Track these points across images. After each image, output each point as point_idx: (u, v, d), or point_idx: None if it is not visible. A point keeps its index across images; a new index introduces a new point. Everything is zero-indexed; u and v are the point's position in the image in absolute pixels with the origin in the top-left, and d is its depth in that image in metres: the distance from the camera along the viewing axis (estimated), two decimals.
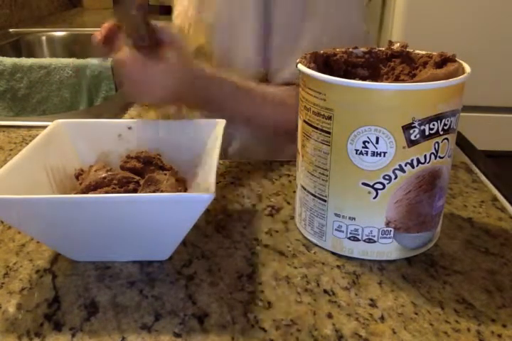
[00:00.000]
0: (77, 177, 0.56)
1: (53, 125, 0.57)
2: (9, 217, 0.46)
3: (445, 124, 0.46)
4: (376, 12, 1.91)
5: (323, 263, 0.50)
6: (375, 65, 0.55)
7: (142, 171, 0.55)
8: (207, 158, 0.54)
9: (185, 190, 0.55)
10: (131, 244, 0.49)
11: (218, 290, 0.46)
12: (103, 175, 0.52)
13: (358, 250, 0.50)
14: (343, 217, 0.49)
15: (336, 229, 0.50)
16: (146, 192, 0.51)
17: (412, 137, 0.45)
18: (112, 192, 0.51)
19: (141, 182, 0.52)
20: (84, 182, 0.52)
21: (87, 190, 0.51)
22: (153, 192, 0.51)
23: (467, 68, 0.48)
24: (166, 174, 0.54)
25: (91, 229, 0.46)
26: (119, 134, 0.59)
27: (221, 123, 0.58)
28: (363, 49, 0.55)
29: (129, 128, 0.59)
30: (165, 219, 0.46)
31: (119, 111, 0.92)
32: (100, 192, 0.51)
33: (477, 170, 0.70)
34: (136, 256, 0.50)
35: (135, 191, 0.52)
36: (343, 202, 0.49)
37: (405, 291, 0.47)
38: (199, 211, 0.46)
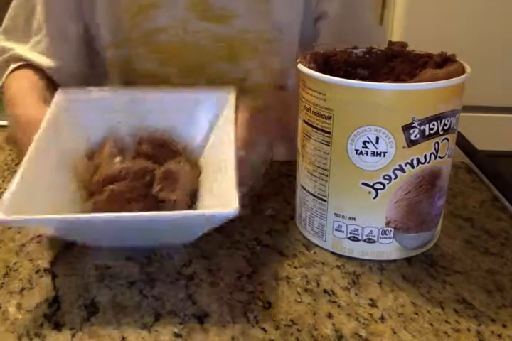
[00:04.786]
0: (88, 157, 0.55)
1: (58, 97, 0.56)
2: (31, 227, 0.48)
3: (445, 124, 0.46)
4: (376, 12, 1.91)
5: (323, 263, 0.50)
6: (375, 65, 0.55)
7: (155, 155, 0.55)
8: (220, 132, 0.54)
9: (199, 175, 0.55)
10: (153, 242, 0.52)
11: (218, 290, 0.46)
12: (118, 168, 0.52)
13: (358, 250, 0.50)
14: (343, 217, 0.49)
15: (336, 229, 0.50)
16: (162, 186, 0.51)
17: (412, 137, 0.45)
18: (130, 186, 0.51)
19: (157, 172, 0.52)
20: (100, 172, 0.52)
21: (103, 183, 0.51)
22: (171, 185, 0.51)
23: (467, 68, 0.48)
24: (179, 162, 0.53)
25: (112, 237, 0.49)
26: (125, 106, 0.57)
27: (232, 91, 0.57)
28: (363, 49, 0.55)
29: (136, 99, 0.58)
30: (185, 231, 0.48)
31: None
32: (118, 186, 0.50)
33: (477, 170, 0.70)
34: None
35: (151, 183, 0.51)
36: (343, 202, 0.49)
37: (405, 291, 0.47)
38: (218, 223, 0.47)
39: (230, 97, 0.56)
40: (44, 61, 0.74)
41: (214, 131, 0.56)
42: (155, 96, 0.59)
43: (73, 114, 0.56)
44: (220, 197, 0.46)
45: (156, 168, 0.53)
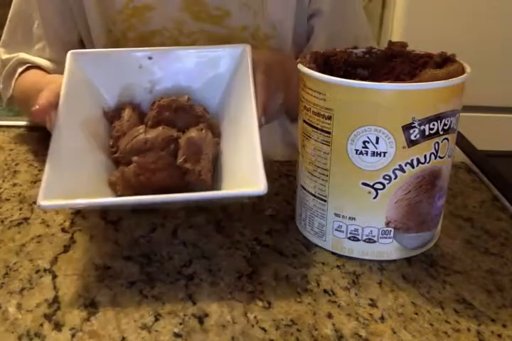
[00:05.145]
0: (107, 120, 0.57)
1: (70, 59, 0.56)
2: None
3: (445, 124, 0.46)
4: (376, 12, 1.91)
5: (323, 263, 0.50)
6: (375, 64, 0.55)
7: (175, 121, 0.55)
8: (239, 91, 0.54)
9: (219, 135, 0.56)
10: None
11: (218, 290, 0.46)
12: (143, 140, 0.53)
13: (358, 250, 0.50)
14: (343, 217, 0.49)
15: (335, 229, 0.50)
16: (187, 157, 0.51)
17: (412, 137, 0.45)
18: (155, 157, 0.52)
19: (180, 140, 0.53)
20: (123, 141, 0.53)
21: (129, 154, 0.53)
22: (195, 154, 0.52)
23: (467, 68, 0.48)
24: (202, 129, 0.54)
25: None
26: (140, 65, 0.58)
27: (248, 48, 0.57)
28: (363, 49, 0.55)
29: (150, 58, 0.57)
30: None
31: None
32: (144, 158, 0.52)
33: (477, 170, 0.70)
34: None
35: (175, 152, 0.52)
36: (343, 202, 0.49)
37: (405, 291, 0.47)
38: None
39: (247, 52, 0.56)
40: (49, 64, 0.75)
41: (233, 89, 0.57)
42: (170, 53, 0.59)
43: (89, 76, 0.56)
44: (247, 173, 0.47)
45: (179, 136, 0.54)
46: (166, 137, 0.53)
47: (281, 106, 0.64)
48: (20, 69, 0.75)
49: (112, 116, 0.57)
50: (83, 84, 0.56)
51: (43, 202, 0.44)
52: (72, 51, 0.57)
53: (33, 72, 0.75)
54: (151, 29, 0.73)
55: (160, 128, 0.54)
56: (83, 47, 0.79)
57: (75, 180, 0.48)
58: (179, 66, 0.58)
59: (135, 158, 0.52)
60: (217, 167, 0.55)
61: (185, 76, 0.58)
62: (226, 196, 0.49)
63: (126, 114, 0.56)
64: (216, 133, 0.56)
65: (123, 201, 0.48)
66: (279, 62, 0.63)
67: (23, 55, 0.76)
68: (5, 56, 0.78)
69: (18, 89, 0.75)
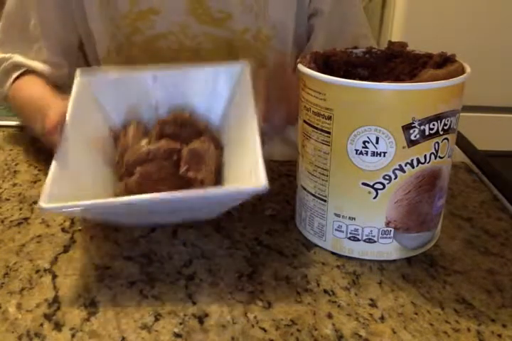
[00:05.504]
0: (114, 138, 0.57)
1: (77, 82, 0.57)
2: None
3: (445, 124, 0.46)
4: (376, 12, 1.91)
5: (323, 263, 0.50)
6: (375, 64, 0.55)
7: (179, 136, 0.56)
8: (240, 106, 0.55)
9: (223, 151, 0.57)
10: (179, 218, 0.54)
11: (218, 290, 0.46)
12: (146, 151, 0.53)
13: (358, 250, 0.50)
14: (343, 217, 0.49)
15: (336, 229, 0.50)
16: (189, 166, 0.52)
17: (412, 137, 0.45)
18: (158, 167, 0.52)
19: (183, 151, 0.53)
20: (128, 154, 0.54)
21: (132, 166, 0.53)
22: (197, 164, 0.52)
23: (467, 68, 0.48)
24: (204, 141, 0.55)
25: (145, 216, 0.51)
26: (145, 84, 0.59)
27: (247, 65, 0.58)
28: (363, 49, 0.55)
29: (155, 77, 0.59)
30: (213, 207, 0.51)
31: None
32: (147, 168, 0.52)
33: (477, 170, 0.70)
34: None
35: (178, 162, 0.53)
36: (343, 202, 0.49)
37: (405, 291, 0.47)
38: (247, 197, 0.49)
39: (246, 70, 0.57)
40: (47, 68, 0.74)
41: (234, 104, 0.58)
42: (174, 72, 0.60)
43: (96, 95, 0.57)
44: (248, 172, 0.48)
45: (181, 147, 0.54)
46: (169, 148, 0.54)
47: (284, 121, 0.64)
48: (15, 74, 0.74)
49: (118, 133, 0.58)
50: (90, 104, 0.57)
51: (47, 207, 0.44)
52: (79, 70, 0.58)
53: (31, 81, 0.73)
54: (155, 33, 0.73)
55: (162, 140, 0.55)
56: (82, 50, 0.79)
57: (81, 194, 0.48)
58: (182, 84, 0.59)
59: (138, 168, 0.52)
60: (219, 179, 0.55)
61: (188, 93, 0.59)
62: (227, 193, 0.49)
63: (131, 130, 0.57)
64: (219, 146, 0.57)
65: (120, 202, 0.47)
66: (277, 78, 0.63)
67: (18, 58, 0.75)
68: (0, 55, 0.77)
69: (15, 99, 0.74)
